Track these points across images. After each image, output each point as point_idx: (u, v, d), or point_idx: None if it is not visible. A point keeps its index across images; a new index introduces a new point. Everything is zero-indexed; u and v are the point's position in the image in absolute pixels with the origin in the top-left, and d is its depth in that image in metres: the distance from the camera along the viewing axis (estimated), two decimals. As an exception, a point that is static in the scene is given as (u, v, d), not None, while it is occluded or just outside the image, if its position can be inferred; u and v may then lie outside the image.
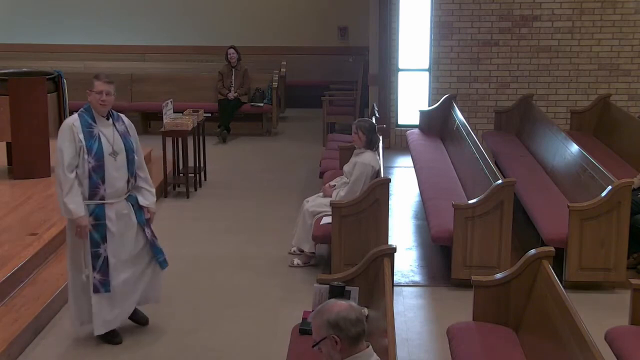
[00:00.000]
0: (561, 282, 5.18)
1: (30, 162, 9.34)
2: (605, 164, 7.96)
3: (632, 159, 9.40)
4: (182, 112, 10.28)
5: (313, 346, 3.59)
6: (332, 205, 7.24)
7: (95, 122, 5.81)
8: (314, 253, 7.66)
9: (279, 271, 7.58)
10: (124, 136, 5.91)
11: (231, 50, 13.33)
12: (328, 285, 5.30)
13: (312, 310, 4.47)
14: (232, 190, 10.22)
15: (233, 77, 13.34)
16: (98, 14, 15.52)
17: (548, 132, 9.71)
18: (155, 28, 15.53)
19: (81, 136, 5.73)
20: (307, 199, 7.91)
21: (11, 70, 10.18)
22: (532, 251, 5.37)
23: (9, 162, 9.64)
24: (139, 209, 5.99)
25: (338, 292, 5.21)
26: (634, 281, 5.35)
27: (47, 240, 7.31)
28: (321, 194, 7.93)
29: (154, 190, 6.14)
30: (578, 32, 12.24)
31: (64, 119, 9.51)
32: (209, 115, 11.14)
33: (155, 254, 6.08)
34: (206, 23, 15.46)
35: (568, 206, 7.12)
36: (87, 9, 15.54)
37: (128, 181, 5.92)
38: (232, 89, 13.28)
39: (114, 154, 5.80)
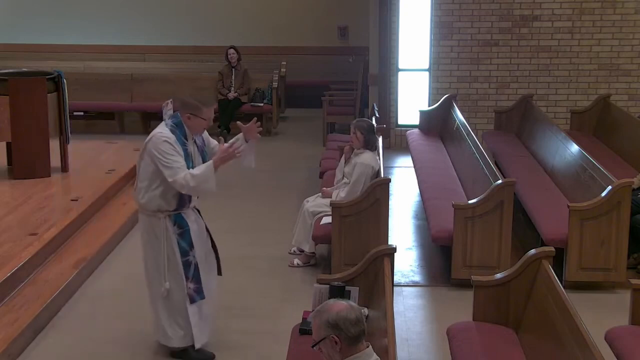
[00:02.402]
0: (561, 282, 5.18)
1: (30, 162, 9.33)
2: (605, 164, 7.95)
3: (632, 159, 9.39)
4: (182, 112, 10.26)
5: (313, 346, 3.60)
6: (332, 205, 7.24)
7: (187, 139, 5.69)
8: (314, 253, 7.66)
9: (279, 271, 7.58)
10: (202, 151, 5.81)
11: (231, 50, 13.34)
12: (328, 285, 5.30)
13: (312, 310, 4.47)
14: (232, 190, 10.21)
15: (233, 77, 13.35)
16: (98, 14, 15.51)
17: (548, 132, 9.70)
18: (155, 28, 15.51)
19: (180, 152, 5.62)
20: (307, 199, 7.91)
21: (11, 70, 10.17)
22: (532, 251, 5.36)
23: (9, 162, 9.63)
24: (200, 215, 5.95)
25: (338, 292, 5.21)
26: (634, 281, 5.34)
27: (47, 240, 7.31)
28: (320, 194, 7.93)
29: None
30: (578, 32, 12.24)
31: (64, 119, 9.58)
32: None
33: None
34: (206, 23, 15.46)
35: (568, 206, 7.12)
36: (87, 9, 15.52)
37: None
38: (232, 89, 13.29)
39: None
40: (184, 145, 5.64)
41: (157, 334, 5.90)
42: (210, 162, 5.63)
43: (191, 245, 5.72)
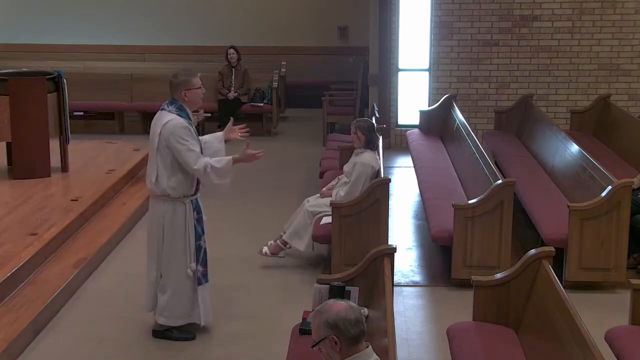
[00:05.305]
0: (561, 282, 5.18)
1: (30, 162, 9.33)
2: (605, 164, 7.95)
3: (632, 159, 9.39)
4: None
5: (312, 346, 3.60)
6: (332, 205, 7.24)
7: (191, 120, 5.90)
8: (289, 247, 7.59)
9: (279, 271, 7.57)
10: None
11: (231, 50, 13.34)
12: (328, 285, 5.30)
13: (312, 310, 4.47)
14: (232, 190, 10.18)
15: (233, 77, 13.35)
16: (98, 14, 15.51)
17: (548, 132, 9.70)
18: (155, 28, 15.52)
19: (195, 136, 5.85)
20: (308, 199, 7.90)
21: (11, 70, 10.17)
22: (532, 251, 5.36)
23: (9, 162, 9.63)
24: None
25: (338, 292, 5.21)
26: (634, 281, 5.34)
27: (47, 240, 7.31)
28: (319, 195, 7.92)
29: None
30: (578, 32, 12.24)
31: (64, 119, 9.57)
32: (209, 115, 11.13)
33: None
34: (206, 23, 15.46)
35: (568, 206, 7.12)
36: (87, 9, 15.53)
37: None
38: (232, 89, 13.30)
39: None
40: (192, 127, 5.86)
41: (158, 312, 6.08)
42: (230, 158, 5.92)
43: (203, 231, 6.03)
